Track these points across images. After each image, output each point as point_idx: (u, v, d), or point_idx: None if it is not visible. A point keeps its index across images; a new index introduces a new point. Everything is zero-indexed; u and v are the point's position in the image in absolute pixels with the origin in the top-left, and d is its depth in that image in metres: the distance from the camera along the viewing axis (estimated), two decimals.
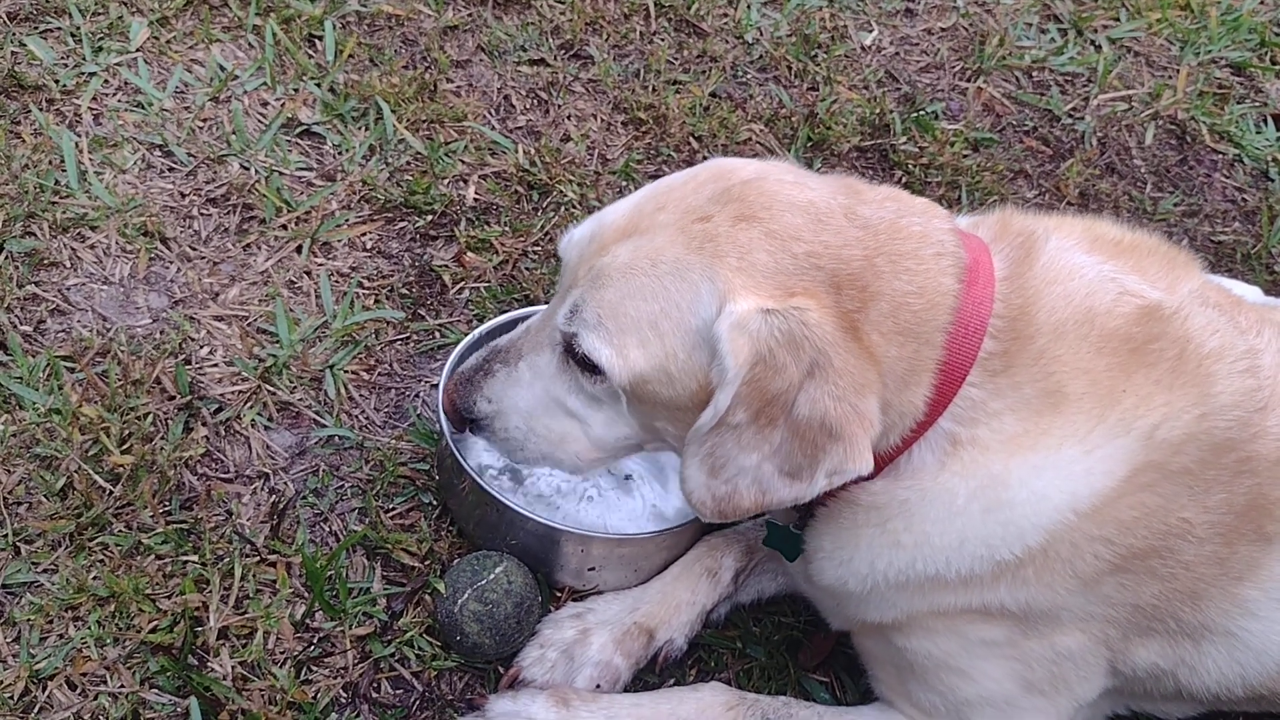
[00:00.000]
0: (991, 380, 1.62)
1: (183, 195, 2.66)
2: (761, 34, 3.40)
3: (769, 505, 1.61)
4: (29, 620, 1.97)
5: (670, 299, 1.59)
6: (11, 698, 1.89)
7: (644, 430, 1.77)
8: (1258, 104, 3.55)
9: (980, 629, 1.77)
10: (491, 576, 2.03)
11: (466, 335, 2.31)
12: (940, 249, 1.62)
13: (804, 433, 1.54)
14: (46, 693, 1.91)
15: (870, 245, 1.59)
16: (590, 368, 1.66)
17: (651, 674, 2.10)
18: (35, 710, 1.89)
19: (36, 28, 2.92)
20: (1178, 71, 3.57)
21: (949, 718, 1.89)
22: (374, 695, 2.01)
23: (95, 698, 1.92)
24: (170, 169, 2.71)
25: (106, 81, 2.85)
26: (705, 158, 3.03)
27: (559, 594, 2.17)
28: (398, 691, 2.03)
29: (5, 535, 2.05)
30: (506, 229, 2.75)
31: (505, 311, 2.45)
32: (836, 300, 1.55)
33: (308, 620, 2.05)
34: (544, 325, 1.79)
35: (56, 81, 2.80)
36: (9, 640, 1.95)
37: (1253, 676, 1.84)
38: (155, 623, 1.99)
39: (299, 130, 2.86)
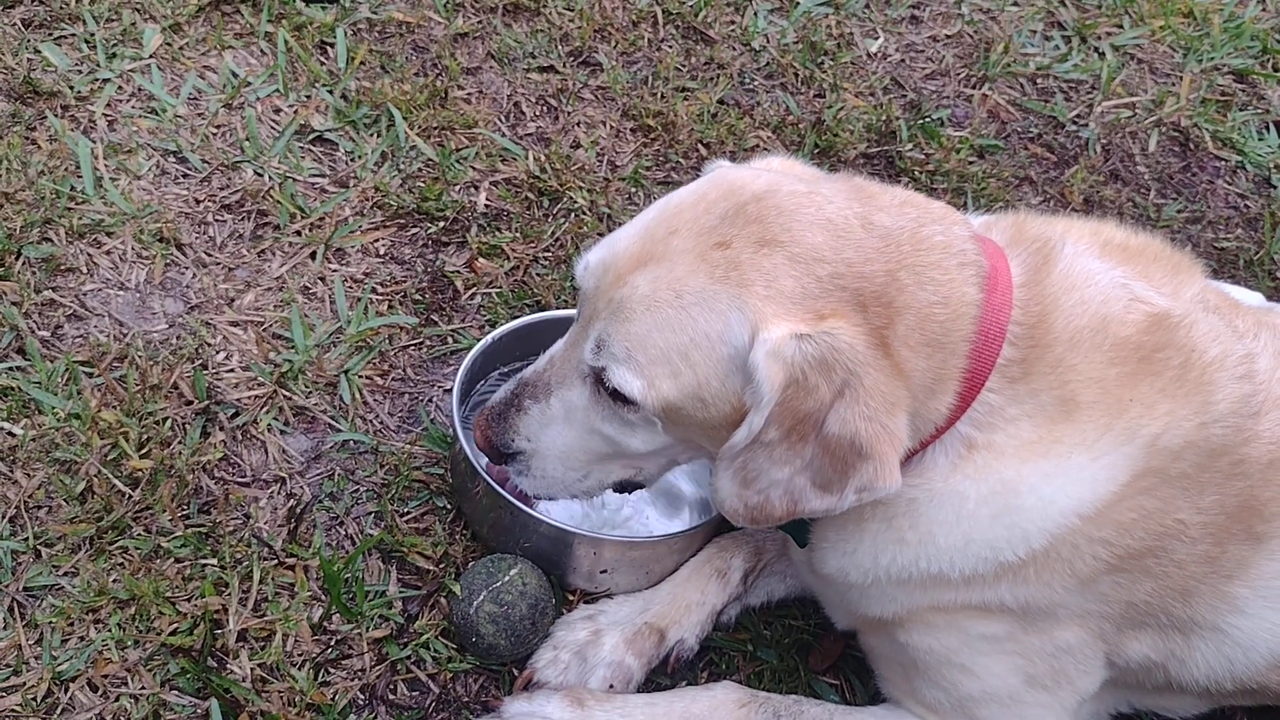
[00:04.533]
0: (1010, 387, 1.65)
1: (197, 201, 2.69)
2: (768, 41, 3.43)
3: (800, 514, 1.64)
4: (51, 623, 2.00)
5: (699, 329, 1.60)
6: (35, 699, 1.91)
7: (681, 444, 1.81)
8: (1260, 111, 3.58)
9: (980, 625, 1.80)
10: (506, 579, 2.06)
11: (479, 341, 2.34)
12: (963, 258, 1.64)
13: (834, 450, 1.56)
14: (69, 694, 1.94)
15: (893, 258, 1.61)
16: (622, 398, 1.68)
17: (664, 676, 2.13)
18: (58, 711, 1.92)
19: (51, 34, 2.95)
20: (1180, 78, 3.60)
21: (955, 714, 1.91)
22: (391, 697, 2.04)
23: (117, 699, 1.94)
24: (185, 175, 2.74)
25: (120, 88, 2.88)
26: None
27: (571, 596, 2.20)
28: (414, 693, 2.06)
29: (26, 539, 2.08)
30: (517, 235, 2.77)
31: (517, 317, 2.47)
32: (865, 318, 1.57)
33: (325, 623, 2.08)
34: (568, 357, 1.80)
35: (71, 88, 2.83)
36: (31, 642, 1.98)
37: (1241, 670, 1.88)
38: (175, 625, 2.02)
39: (312, 137, 2.89)
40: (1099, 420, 1.65)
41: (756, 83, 3.33)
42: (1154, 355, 1.67)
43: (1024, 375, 1.65)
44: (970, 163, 3.22)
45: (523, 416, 1.85)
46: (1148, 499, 1.68)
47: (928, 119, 3.30)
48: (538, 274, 2.71)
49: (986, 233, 1.80)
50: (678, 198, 1.73)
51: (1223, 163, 3.42)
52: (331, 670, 2.04)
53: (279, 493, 2.25)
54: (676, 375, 1.63)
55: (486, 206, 2.83)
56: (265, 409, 2.35)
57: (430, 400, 2.46)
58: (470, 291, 2.65)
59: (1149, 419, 1.66)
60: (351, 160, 2.86)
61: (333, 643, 2.07)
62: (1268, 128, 3.55)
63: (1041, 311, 1.67)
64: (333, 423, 2.37)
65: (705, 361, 1.61)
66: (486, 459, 1.97)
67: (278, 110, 2.93)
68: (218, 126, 2.86)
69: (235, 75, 2.97)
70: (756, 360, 1.56)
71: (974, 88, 3.47)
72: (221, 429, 2.30)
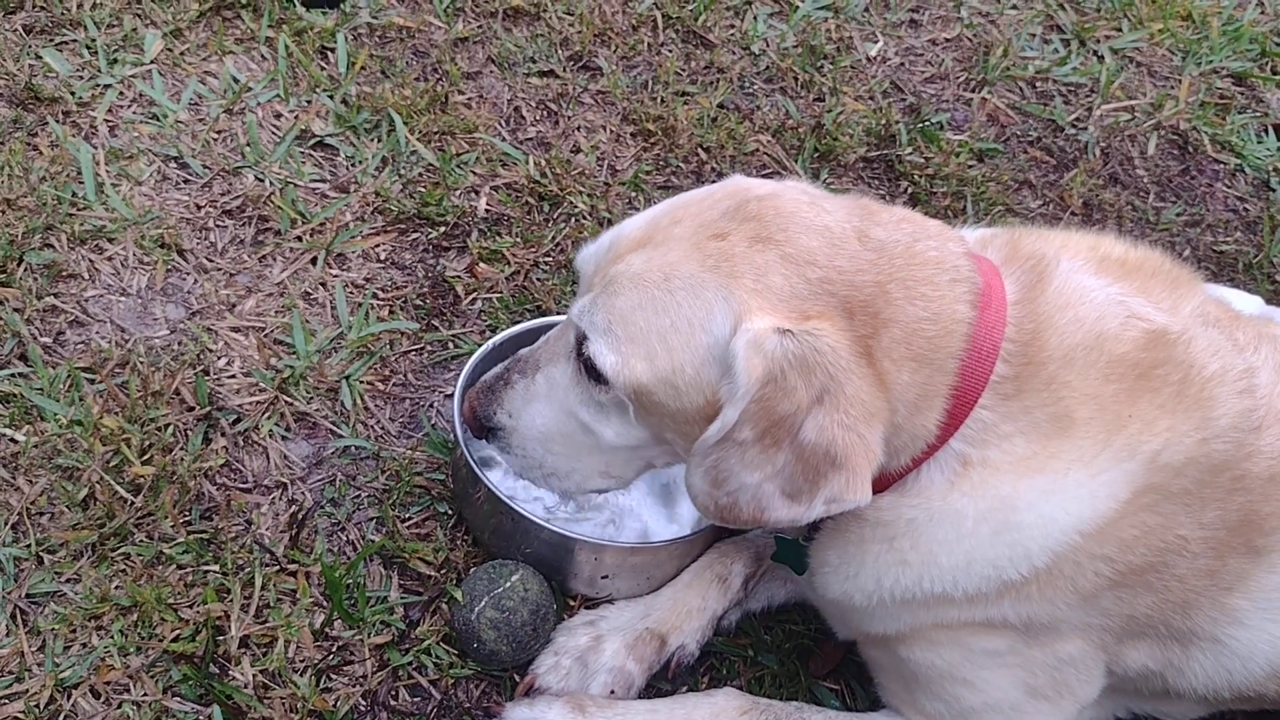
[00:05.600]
0: (1003, 404, 1.65)
1: (198, 207, 2.69)
2: (768, 45, 3.44)
3: (765, 523, 1.63)
4: (53, 629, 2.00)
5: (682, 314, 1.61)
6: (38, 706, 1.92)
7: (654, 441, 1.80)
8: (1259, 114, 3.59)
9: (983, 640, 1.80)
10: (508, 584, 2.06)
11: (480, 346, 2.34)
12: (956, 275, 1.64)
13: (808, 458, 1.56)
14: (71, 701, 1.94)
15: (884, 270, 1.62)
16: (596, 375, 1.69)
17: (665, 681, 2.14)
18: (61, 718, 1.92)
19: (52, 40, 2.96)
20: (1179, 82, 3.61)
21: None
22: (392, 703, 2.04)
23: (119, 706, 1.95)
24: (186, 181, 2.75)
25: (121, 94, 2.89)
26: (713, 169, 3.06)
27: (572, 602, 2.20)
28: (415, 699, 2.06)
29: (28, 545, 2.09)
30: (518, 240, 2.78)
31: (518, 322, 2.48)
32: (850, 325, 1.58)
33: (327, 629, 2.08)
34: (561, 335, 1.83)
35: (72, 93, 2.84)
36: (34, 649, 1.98)
37: (1239, 680, 1.89)
38: (177, 632, 2.02)
39: (312, 142, 2.89)
40: (1097, 436, 1.65)
41: (756, 87, 3.34)
42: (1152, 372, 1.67)
43: (1017, 392, 1.65)
44: (969, 166, 3.23)
45: (508, 390, 1.88)
46: (1149, 515, 1.68)
47: (927, 123, 3.30)
48: (538, 279, 2.72)
49: (982, 249, 1.80)
50: (688, 195, 1.77)
51: (1222, 166, 3.42)
52: (333, 676, 2.05)
53: (280, 499, 2.25)
54: (652, 357, 1.63)
55: (487, 211, 2.83)
56: (267, 415, 2.36)
57: (431, 406, 2.46)
58: (471, 296, 2.66)
59: (1149, 435, 1.65)
60: (352, 165, 2.87)
61: (334, 649, 2.07)
62: (1266, 131, 3.56)
63: (1035, 329, 1.67)
64: (334, 428, 2.37)
65: (683, 347, 1.61)
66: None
67: (278, 115, 2.93)
68: (219, 132, 2.86)
69: (236, 81, 2.97)
70: (736, 349, 1.56)
71: (973, 91, 3.48)
72: (223, 435, 2.31)
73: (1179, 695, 1.96)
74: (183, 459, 2.24)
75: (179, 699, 1.97)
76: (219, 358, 2.43)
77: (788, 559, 1.98)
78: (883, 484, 1.72)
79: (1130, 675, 1.91)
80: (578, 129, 3.09)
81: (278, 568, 2.14)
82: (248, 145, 2.83)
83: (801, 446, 1.56)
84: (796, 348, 1.54)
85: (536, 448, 1.89)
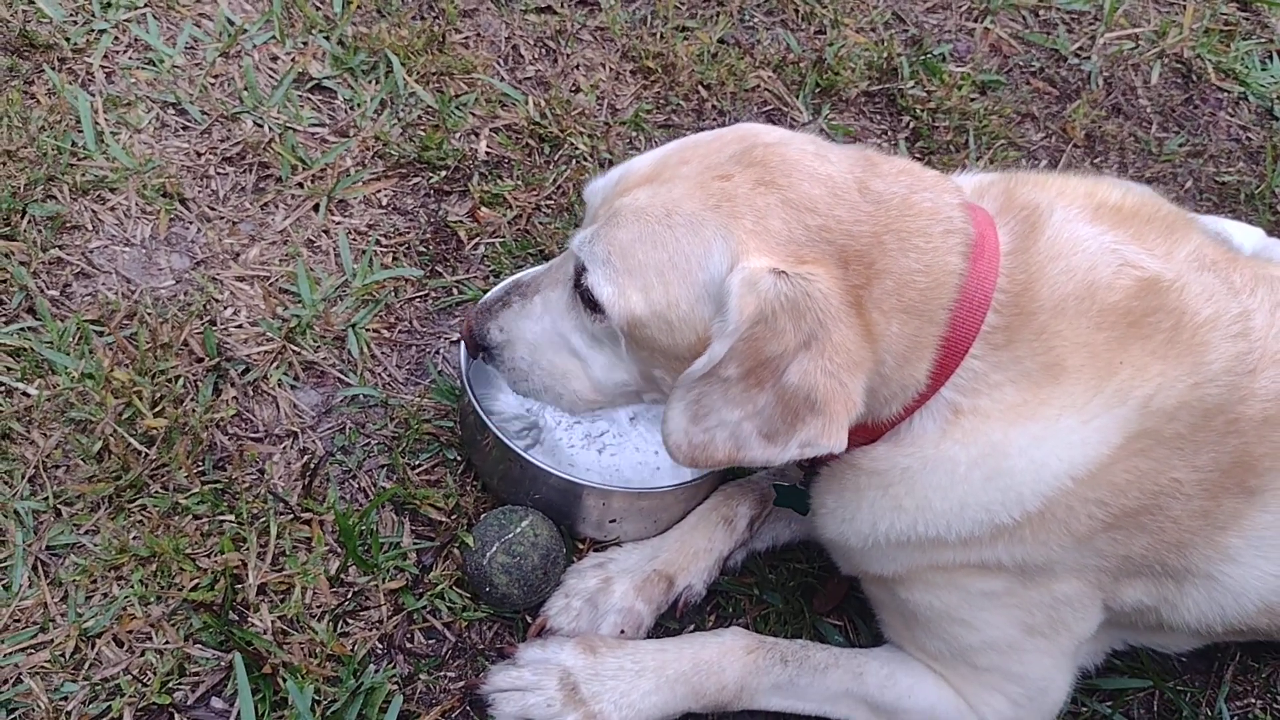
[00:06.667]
0: (994, 353, 1.68)
1: (199, 154, 2.68)
2: None
3: (740, 461, 1.67)
4: (74, 581, 2.05)
5: (680, 250, 1.64)
6: (63, 655, 1.97)
7: (642, 378, 1.83)
8: (1263, 40, 3.56)
9: (980, 582, 1.85)
10: (518, 530, 2.10)
11: (484, 293, 2.36)
12: (949, 225, 1.67)
13: (789, 400, 1.59)
14: (95, 650, 1.99)
15: (881, 222, 1.64)
16: (592, 304, 1.72)
17: (673, 620, 2.19)
18: (86, 667, 1.97)
19: None
20: (1184, 8, 3.57)
21: (956, 661, 1.97)
22: (408, 646, 2.09)
23: (142, 654, 2.00)
24: (185, 128, 2.73)
25: (117, 39, 2.86)
26: (714, 106, 3.05)
27: (581, 545, 2.24)
28: (430, 642, 2.11)
29: (46, 498, 2.12)
30: (519, 183, 2.78)
31: (521, 267, 2.49)
32: (845, 274, 1.60)
33: (342, 575, 2.13)
34: (562, 264, 1.86)
35: (67, 39, 2.81)
36: (57, 600, 2.03)
37: (1231, 615, 1.95)
38: (196, 581, 2.07)
39: (310, 85, 2.87)
40: (1088, 383, 1.68)
41: (757, 20, 3.30)
42: (1144, 319, 1.70)
43: (1008, 342, 1.68)
44: (972, 99, 3.21)
45: (505, 310, 1.92)
46: (1142, 460, 1.72)
47: (929, 55, 3.27)
48: (540, 223, 2.72)
49: (979, 197, 1.82)
50: (698, 136, 1.80)
51: (1225, 94, 3.40)
52: (350, 621, 2.09)
53: (292, 448, 2.28)
54: (647, 290, 1.66)
55: (487, 154, 2.82)
56: (275, 364, 2.38)
57: (437, 353, 2.48)
58: (474, 241, 2.66)
59: (1140, 381, 1.68)
60: (351, 109, 2.85)
61: (350, 594, 2.12)
62: (1270, 57, 3.53)
63: (1027, 280, 1.69)
64: (342, 377, 2.40)
65: (679, 282, 1.64)
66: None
67: (275, 58, 2.91)
68: (216, 76, 2.84)
69: (231, 23, 2.94)
70: (731, 286, 1.59)
71: (975, 21, 3.44)
72: (233, 385, 2.33)
73: (1172, 628, 2.02)
74: (194, 410, 2.27)
75: (200, 646, 2.02)
76: (225, 308, 2.44)
77: (790, 503, 2.03)
78: (875, 433, 1.76)
79: (1126, 610, 1.96)
80: (577, 67, 3.07)
81: (292, 516, 2.18)
82: (245, 90, 2.81)
83: (784, 389, 1.59)
84: (789, 290, 1.57)
85: (526, 356, 1.91)
